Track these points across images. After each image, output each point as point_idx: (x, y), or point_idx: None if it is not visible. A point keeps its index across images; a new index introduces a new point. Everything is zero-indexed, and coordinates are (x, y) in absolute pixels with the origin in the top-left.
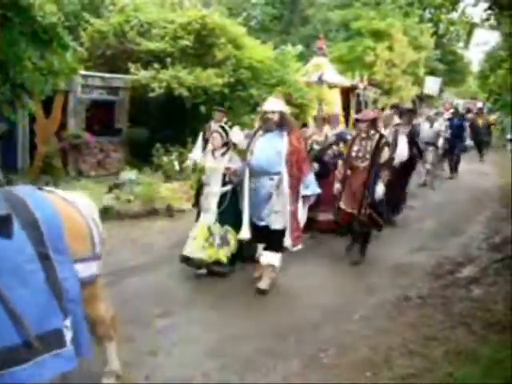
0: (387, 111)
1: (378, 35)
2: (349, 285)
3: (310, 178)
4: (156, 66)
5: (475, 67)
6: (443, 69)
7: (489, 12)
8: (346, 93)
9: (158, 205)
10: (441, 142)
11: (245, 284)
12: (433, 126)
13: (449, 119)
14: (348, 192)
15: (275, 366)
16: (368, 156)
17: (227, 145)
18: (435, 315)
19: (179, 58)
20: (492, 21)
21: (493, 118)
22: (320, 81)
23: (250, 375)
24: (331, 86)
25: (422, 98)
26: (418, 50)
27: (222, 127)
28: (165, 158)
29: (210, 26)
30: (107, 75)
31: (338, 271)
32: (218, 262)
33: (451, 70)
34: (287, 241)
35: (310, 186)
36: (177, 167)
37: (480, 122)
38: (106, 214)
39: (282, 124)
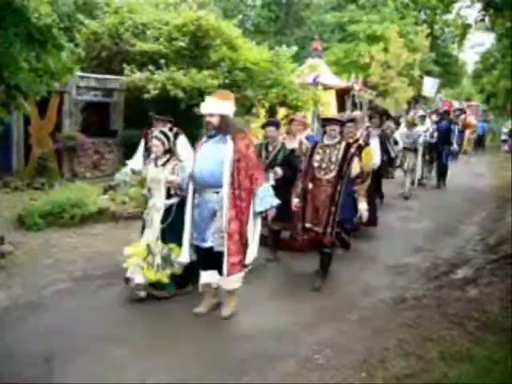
0: (358, 113)
1: (373, 38)
2: (344, 285)
3: (265, 189)
4: (151, 67)
5: (470, 69)
6: (438, 70)
7: (483, 13)
8: (342, 94)
9: None
10: (421, 147)
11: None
12: (412, 130)
13: (436, 122)
14: (311, 208)
15: None
16: (333, 167)
17: (170, 152)
18: (431, 316)
19: (174, 60)
20: (486, 22)
21: (471, 120)
22: (315, 82)
23: None
24: (326, 88)
25: (417, 100)
26: (413, 51)
27: (163, 132)
28: None
29: (205, 27)
30: (102, 76)
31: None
32: (159, 284)
33: (446, 71)
34: (224, 268)
35: (265, 200)
36: None
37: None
38: (101, 215)
39: (223, 128)
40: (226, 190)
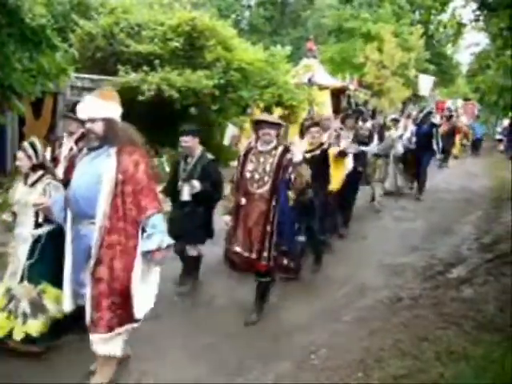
0: (328, 114)
1: (368, 37)
2: (340, 285)
3: (155, 222)
4: (145, 68)
5: (465, 69)
6: (433, 70)
7: (477, 13)
8: (337, 94)
9: None
10: (393, 152)
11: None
12: (381, 131)
13: (417, 125)
14: (242, 229)
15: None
16: (267, 179)
17: (42, 168)
18: (427, 316)
19: (169, 60)
20: (481, 22)
21: (462, 123)
22: (310, 82)
23: None
24: (321, 88)
25: (411, 99)
26: (408, 51)
27: (32, 143)
28: (155, 160)
29: (200, 27)
30: (97, 77)
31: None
32: (27, 338)
33: (441, 71)
34: (88, 324)
35: (153, 237)
36: (167, 169)
37: (445, 128)
38: None
39: (109, 137)
40: (99, 222)
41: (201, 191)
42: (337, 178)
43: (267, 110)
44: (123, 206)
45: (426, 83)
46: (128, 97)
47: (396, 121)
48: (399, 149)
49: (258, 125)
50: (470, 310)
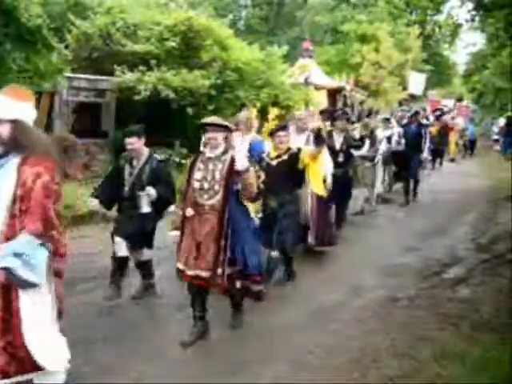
0: (304, 112)
1: (365, 38)
2: (336, 285)
3: (16, 243)
4: (142, 68)
5: (461, 69)
6: (429, 70)
7: (473, 13)
8: (333, 94)
9: None
10: (379, 155)
11: None
12: (372, 135)
13: (403, 126)
14: (190, 244)
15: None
16: (217, 188)
17: None
18: (423, 316)
19: (165, 60)
20: (477, 22)
21: (455, 122)
22: (306, 82)
23: None
24: (318, 88)
25: (406, 99)
26: (405, 51)
27: None
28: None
29: (197, 27)
30: (93, 77)
31: None
32: None
33: (437, 71)
34: None
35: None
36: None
37: (435, 128)
38: (91, 217)
39: (18, 143)
40: None
41: (158, 197)
42: (318, 181)
43: (263, 110)
44: (15, 228)
45: (417, 81)
46: (124, 97)
47: (387, 120)
48: (382, 148)
49: (204, 127)
50: (466, 311)
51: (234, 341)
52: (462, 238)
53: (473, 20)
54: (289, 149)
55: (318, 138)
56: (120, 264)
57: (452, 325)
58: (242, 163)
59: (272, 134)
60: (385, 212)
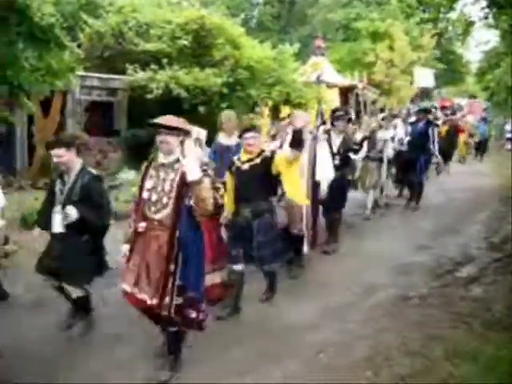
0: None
1: (377, 36)
2: (348, 284)
3: None
4: (154, 66)
5: (474, 67)
6: (442, 68)
7: (486, 11)
8: (345, 93)
9: None
10: (386, 155)
11: None
12: (376, 135)
13: (411, 123)
14: (140, 263)
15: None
16: (166, 200)
17: None
18: (435, 314)
19: (177, 59)
20: (490, 19)
21: (465, 121)
22: (318, 80)
23: None
24: (330, 86)
25: (418, 96)
26: (418, 49)
27: None
28: None
29: (208, 26)
30: (105, 76)
31: None
32: None
33: (450, 69)
34: None
35: None
36: None
37: (444, 129)
38: None
39: None
40: None
41: (80, 219)
42: (294, 189)
43: (275, 108)
44: None
45: (423, 76)
46: (136, 95)
47: (393, 118)
48: (389, 151)
49: (155, 129)
50: (478, 309)
51: (245, 339)
52: (474, 236)
53: (486, 18)
54: (262, 151)
55: (295, 141)
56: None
57: (464, 323)
58: (192, 173)
59: (240, 135)
60: (397, 211)
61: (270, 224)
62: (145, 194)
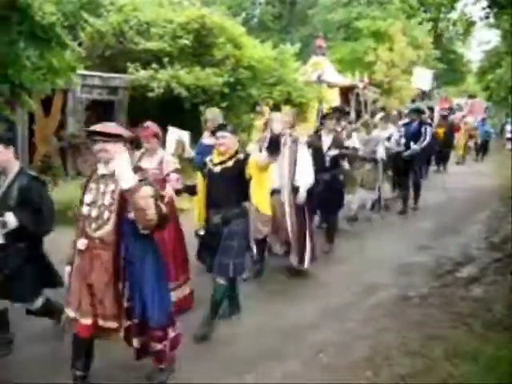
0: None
1: (378, 35)
2: (348, 284)
3: None
4: (155, 65)
5: (475, 67)
6: (443, 68)
7: (487, 11)
8: (346, 92)
9: None
10: (380, 154)
11: None
12: (371, 135)
13: (405, 124)
14: (81, 285)
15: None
16: (108, 214)
17: None
18: (435, 314)
19: (178, 58)
20: (491, 19)
21: (465, 121)
22: (319, 80)
23: None
24: (330, 86)
25: (418, 97)
26: (418, 49)
27: None
28: None
29: (209, 25)
30: (106, 75)
31: None
32: None
33: (451, 69)
34: None
35: None
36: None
37: (442, 130)
38: None
39: None
40: None
41: (18, 227)
42: (261, 196)
43: (276, 107)
44: None
45: (422, 76)
46: (137, 94)
47: (388, 118)
48: (380, 152)
49: (90, 136)
50: (478, 309)
51: (246, 338)
52: (474, 236)
53: (487, 17)
54: (236, 153)
55: (272, 147)
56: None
57: (464, 324)
58: (124, 181)
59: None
60: (395, 211)
61: (240, 232)
62: (84, 210)
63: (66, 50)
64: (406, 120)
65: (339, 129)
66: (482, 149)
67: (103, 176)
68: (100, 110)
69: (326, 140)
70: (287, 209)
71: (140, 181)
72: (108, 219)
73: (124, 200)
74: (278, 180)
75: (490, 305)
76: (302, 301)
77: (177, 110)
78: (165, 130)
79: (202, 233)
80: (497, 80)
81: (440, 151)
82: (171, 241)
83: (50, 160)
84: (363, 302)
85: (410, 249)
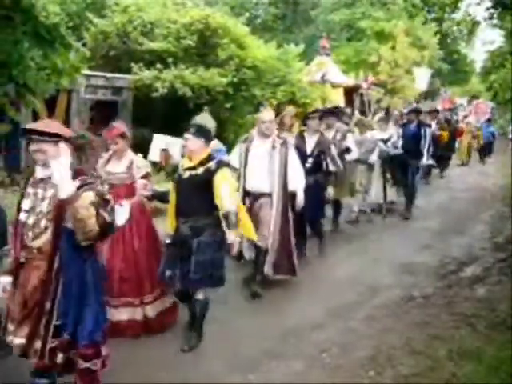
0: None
1: (382, 36)
2: (352, 284)
3: None
4: (159, 65)
5: (479, 67)
6: (447, 68)
7: (491, 11)
8: (350, 92)
9: (160, 204)
10: (374, 157)
11: None
12: (365, 135)
13: (403, 125)
14: (19, 300)
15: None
16: (44, 223)
17: None
18: (439, 314)
19: (182, 58)
20: (495, 19)
21: (467, 122)
22: (323, 80)
23: None
24: (334, 86)
25: (425, 97)
26: (422, 49)
27: None
28: None
29: (213, 25)
30: (110, 75)
31: None
32: None
33: (455, 69)
34: None
35: None
36: None
37: (445, 133)
38: None
39: None
40: None
41: None
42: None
43: (279, 107)
44: None
45: (421, 76)
46: (141, 94)
47: (385, 119)
48: (373, 158)
49: (27, 134)
50: (482, 310)
51: (249, 337)
52: (478, 236)
53: (491, 18)
54: (208, 160)
55: None
56: None
57: (468, 324)
58: (63, 189)
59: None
60: (401, 211)
61: (212, 243)
62: (22, 217)
63: (70, 51)
64: (404, 121)
65: (322, 129)
66: (486, 150)
67: (41, 180)
68: (104, 110)
69: (310, 142)
70: (274, 212)
71: (81, 186)
72: (46, 228)
73: (62, 208)
74: (268, 184)
75: (494, 305)
76: (305, 300)
77: (181, 110)
78: (168, 130)
79: (168, 241)
80: (500, 80)
81: (441, 155)
82: (143, 250)
83: None
84: (367, 301)
85: (414, 248)
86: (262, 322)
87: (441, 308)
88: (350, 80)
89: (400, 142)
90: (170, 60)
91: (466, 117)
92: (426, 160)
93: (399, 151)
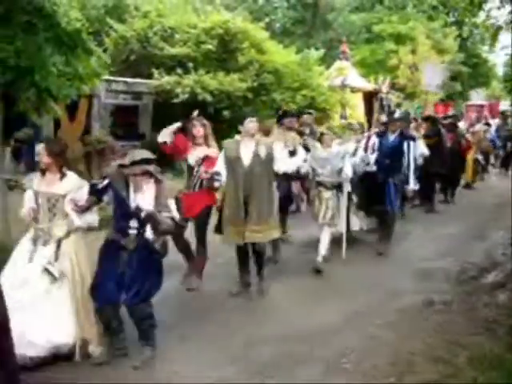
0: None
1: (400, 38)
2: (371, 289)
3: None
4: (179, 71)
5: (500, 71)
6: (467, 72)
7: None
8: (369, 97)
9: None
10: (347, 182)
11: None
12: (330, 151)
13: (378, 135)
14: None
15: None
16: None
17: None
18: (459, 320)
19: (202, 63)
20: None
21: (474, 133)
22: (343, 85)
23: None
24: (354, 90)
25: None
26: (442, 53)
27: None
28: None
29: (233, 30)
30: (131, 80)
31: None
32: None
33: (475, 73)
34: None
35: None
36: None
37: (449, 143)
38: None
39: None
40: None
41: None
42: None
43: (299, 112)
44: None
45: (431, 74)
46: (161, 99)
47: (358, 128)
48: (348, 172)
49: None
50: (503, 316)
51: (269, 342)
52: (499, 242)
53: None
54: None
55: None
56: None
57: (488, 330)
58: None
59: None
60: (420, 216)
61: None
62: None
63: (91, 56)
64: (379, 129)
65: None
66: (507, 159)
67: None
68: (125, 115)
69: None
70: None
71: None
72: None
73: None
74: None
75: None
76: (324, 305)
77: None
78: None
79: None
80: None
81: (446, 175)
82: None
83: (75, 165)
84: (386, 307)
85: (434, 254)
86: (282, 326)
87: (461, 314)
88: (369, 85)
89: (373, 156)
90: (190, 65)
91: (472, 125)
92: (412, 185)
93: (373, 168)
